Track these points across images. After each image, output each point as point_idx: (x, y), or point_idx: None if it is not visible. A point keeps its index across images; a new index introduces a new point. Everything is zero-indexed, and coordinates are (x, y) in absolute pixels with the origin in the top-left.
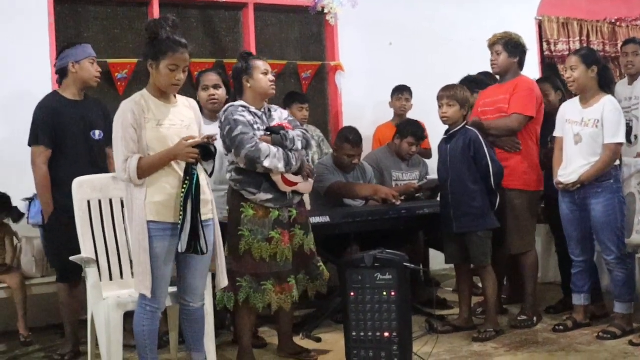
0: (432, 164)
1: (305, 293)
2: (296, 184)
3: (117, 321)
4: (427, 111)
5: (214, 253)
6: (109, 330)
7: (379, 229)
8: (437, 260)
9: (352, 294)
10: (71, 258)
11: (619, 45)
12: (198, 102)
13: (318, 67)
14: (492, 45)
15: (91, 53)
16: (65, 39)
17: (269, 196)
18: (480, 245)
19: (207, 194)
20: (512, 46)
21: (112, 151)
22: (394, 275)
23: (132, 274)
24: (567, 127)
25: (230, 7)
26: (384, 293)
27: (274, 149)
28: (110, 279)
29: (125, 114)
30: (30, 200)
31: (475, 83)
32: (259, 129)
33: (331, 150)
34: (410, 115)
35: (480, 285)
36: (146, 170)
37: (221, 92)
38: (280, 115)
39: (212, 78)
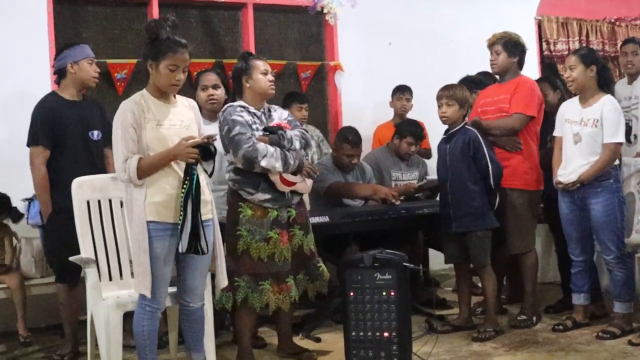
0: (432, 163)
1: (305, 293)
2: (294, 183)
3: (116, 321)
4: (426, 111)
5: (213, 253)
6: (109, 330)
7: (378, 228)
8: (436, 260)
9: (352, 293)
10: (71, 258)
11: (619, 45)
12: (197, 102)
13: (317, 67)
14: (491, 45)
15: (89, 53)
16: (65, 39)
17: (267, 196)
18: (480, 245)
19: (206, 194)
20: (511, 46)
21: (110, 151)
22: (393, 275)
23: (132, 274)
24: (566, 127)
25: (230, 7)
26: (384, 293)
27: (271, 149)
28: (110, 279)
29: (125, 113)
30: (30, 200)
31: (474, 83)
32: (257, 129)
33: (330, 150)
34: (409, 115)
35: (479, 285)
36: (146, 170)
37: (220, 92)
38: (280, 115)
39: (211, 78)
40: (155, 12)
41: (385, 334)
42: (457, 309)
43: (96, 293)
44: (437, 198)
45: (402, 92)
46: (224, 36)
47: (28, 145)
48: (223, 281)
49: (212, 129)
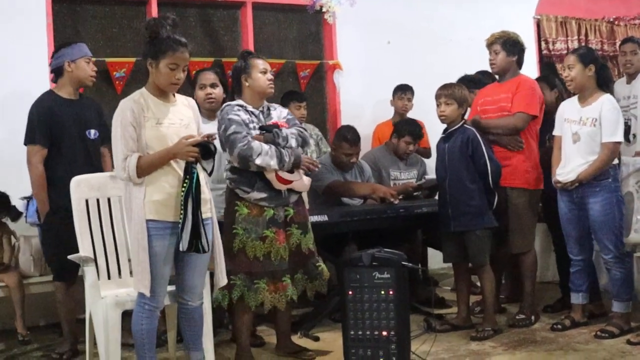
0: (431, 163)
1: (305, 292)
2: (291, 181)
3: (115, 320)
4: (425, 110)
5: (212, 252)
6: (107, 329)
7: (377, 227)
8: (435, 259)
9: (350, 292)
10: (69, 257)
11: (617, 44)
12: (195, 101)
13: (316, 66)
14: (490, 44)
15: (87, 52)
16: (64, 38)
17: (263, 195)
18: (478, 244)
19: (205, 192)
20: (510, 45)
21: (107, 150)
22: (392, 274)
23: (131, 272)
24: (565, 126)
25: (229, 6)
26: (382, 292)
27: (265, 147)
28: (109, 277)
29: (124, 112)
30: (29, 199)
31: (473, 82)
32: (254, 128)
33: (329, 149)
34: (409, 114)
35: (478, 284)
36: (145, 168)
37: (218, 91)
38: (279, 114)
39: (209, 77)
40: (154, 10)
41: (384, 333)
42: (455, 308)
43: (95, 291)
44: (436, 197)
45: (403, 91)
46: (223, 35)
47: (25, 143)
48: (222, 280)
49: (211, 127)
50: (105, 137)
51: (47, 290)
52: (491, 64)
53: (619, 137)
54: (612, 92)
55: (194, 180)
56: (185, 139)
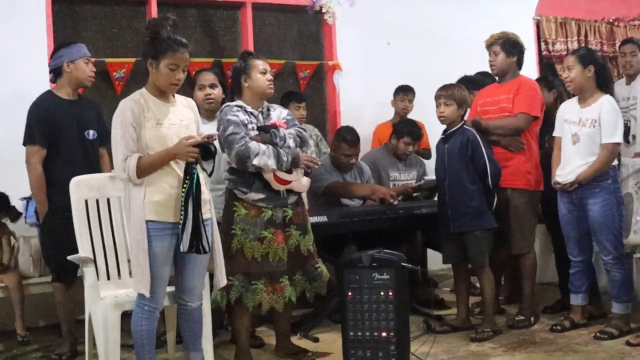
0: (431, 163)
1: (304, 294)
2: (289, 182)
3: (114, 321)
4: (425, 111)
5: (212, 253)
6: (107, 329)
7: (376, 228)
8: (434, 260)
9: (350, 293)
10: (69, 257)
11: (617, 45)
12: (195, 102)
13: (316, 67)
14: (489, 45)
15: (86, 53)
16: (63, 38)
17: (261, 195)
18: (478, 245)
19: (205, 193)
20: (509, 46)
21: (106, 151)
22: (391, 275)
23: (130, 273)
24: (565, 127)
25: (228, 6)
26: (382, 293)
27: (263, 147)
28: (108, 278)
29: (124, 112)
30: (28, 199)
31: (473, 83)
32: (253, 129)
33: (329, 150)
34: (409, 115)
35: (477, 285)
36: (145, 169)
37: (217, 92)
38: (278, 115)
39: (209, 77)
40: (154, 11)
41: (384, 334)
42: (455, 309)
43: (94, 292)
44: (436, 198)
45: (405, 93)
46: (222, 35)
47: (24, 144)
48: (222, 281)
49: (210, 128)
50: (104, 138)
51: (47, 291)
52: (491, 65)
53: (618, 138)
54: (612, 93)
55: (194, 181)
56: (185, 139)
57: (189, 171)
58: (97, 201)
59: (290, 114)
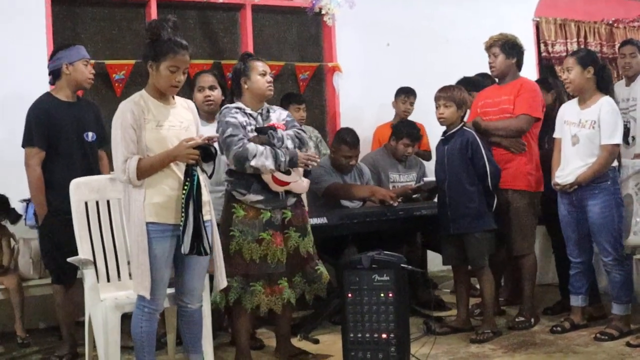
0: (431, 165)
1: (304, 295)
2: (288, 183)
3: (114, 323)
4: (425, 112)
5: (212, 254)
6: (107, 331)
7: (376, 230)
8: (434, 261)
9: (350, 295)
10: (69, 259)
11: (617, 47)
12: (194, 103)
13: (316, 68)
14: (488, 47)
15: (85, 55)
16: (63, 39)
17: (259, 197)
18: (478, 246)
19: (205, 195)
20: (509, 47)
21: (105, 153)
22: (391, 277)
23: (130, 275)
24: (565, 128)
25: (228, 8)
26: (382, 294)
27: (261, 148)
28: (108, 280)
29: (124, 114)
30: (28, 201)
31: (472, 84)
32: (252, 131)
33: (329, 151)
34: (409, 117)
35: (477, 286)
36: (145, 171)
37: (217, 93)
38: (278, 116)
39: (208, 79)
40: (153, 12)
41: (384, 336)
42: (455, 311)
43: (94, 294)
44: (435, 199)
45: (407, 95)
46: (222, 37)
47: (23, 146)
48: (222, 282)
49: (209, 130)
50: (103, 140)
51: (47, 293)
52: (491, 67)
53: (618, 139)
54: (612, 94)
55: (195, 183)
56: (185, 141)
57: (190, 173)
58: (97, 203)
59: (290, 115)
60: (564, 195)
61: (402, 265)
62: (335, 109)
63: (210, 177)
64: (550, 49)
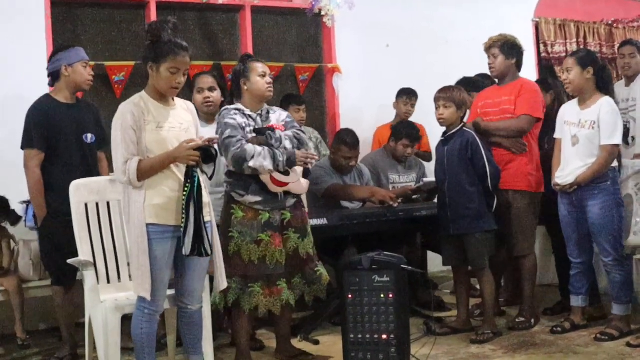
0: (432, 166)
1: (303, 297)
2: (286, 184)
3: (114, 324)
4: (426, 113)
5: (212, 255)
6: (107, 333)
7: (376, 231)
8: (434, 262)
9: (350, 296)
10: (69, 261)
11: (616, 47)
12: (193, 105)
13: (315, 70)
14: (488, 49)
15: (84, 56)
16: (63, 41)
17: (258, 198)
18: (478, 247)
19: (205, 196)
20: (508, 48)
21: (104, 155)
22: (391, 278)
23: (130, 276)
24: (565, 129)
25: (228, 9)
26: (382, 295)
27: (259, 149)
28: (108, 282)
29: (124, 115)
30: (28, 203)
31: (472, 84)
32: (251, 132)
33: (329, 152)
34: (410, 117)
35: (478, 287)
36: (146, 172)
37: (216, 95)
38: (278, 117)
39: (207, 80)
40: (153, 14)
41: (384, 336)
42: (455, 311)
43: (94, 296)
44: (435, 200)
45: (409, 96)
46: (221, 38)
47: (22, 148)
48: (222, 283)
49: (209, 131)
50: (102, 141)
51: (47, 295)
52: (490, 68)
53: (617, 139)
54: (612, 95)
55: (196, 184)
56: (186, 142)
57: (190, 174)
58: (97, 204)
59: (290, 116)
60: (564, 196)
61: (402, 266)
62: (335, 110)
63: (210, 178)
64: (549, 50)
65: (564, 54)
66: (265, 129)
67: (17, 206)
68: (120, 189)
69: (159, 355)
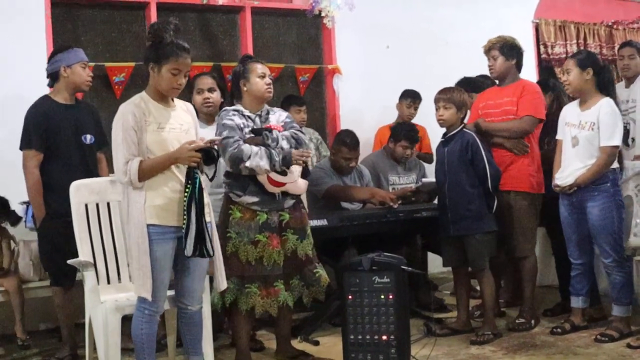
0: (432, 167)
1: (301, 298)
2: (283, 184)
3: (114, 325)
4: (426, 114)
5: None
6: (107, 333)
7: (376, 232)
8: (434, 263)
9: (350, 297)
10: (69, 261)
11: (616, 48)
12: (193, 106)
13: (315, 71)
14: (487, 50)
15: (83, 57)
16: (63, 41)
17: (255, 199)
18: (478, 248)
19: (205, 197)
20: (507, 49)
21: (103, 155)
22: (391, 279)
23: (130, 277)
24: (565, 130)
25: (228, 10)
26: (382, 296)
27: (255, 149)
28: (108, 282)
29: (125, 116)
30: (28, 203)
31: (473, 85)
32: (249, 133)
33: (329, 153)
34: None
35: (478, 288)
36: (147, 173)
37: (216, 96)
38: (278, 118)
39: (207, 81)
40: (153, 15)
41: (384, 337)
42: (455, 312)
43: (94, 296)
44: (436, 201)
45: (413, 99)
46: (221, 39)
47: (21, 148)
48: (222, 284)
49: (208, 132)
50: (102, 142)
51: (47, 295)
52: (490, 70)
53: (617, 141)
54: (613, 96)
55: (197, 185)
56: (188, 144)
57: (191, 176)
58: (97, 205)
59: (289, 116)
60: (565, 197)
61: (402, 267)
62: (335, 111)
63: (211, 180)
64: (549, 51)
65: (564, 55)
66: (262, 130)
67: (17, 207)
68: (120, 189)
69: (159, 356)
